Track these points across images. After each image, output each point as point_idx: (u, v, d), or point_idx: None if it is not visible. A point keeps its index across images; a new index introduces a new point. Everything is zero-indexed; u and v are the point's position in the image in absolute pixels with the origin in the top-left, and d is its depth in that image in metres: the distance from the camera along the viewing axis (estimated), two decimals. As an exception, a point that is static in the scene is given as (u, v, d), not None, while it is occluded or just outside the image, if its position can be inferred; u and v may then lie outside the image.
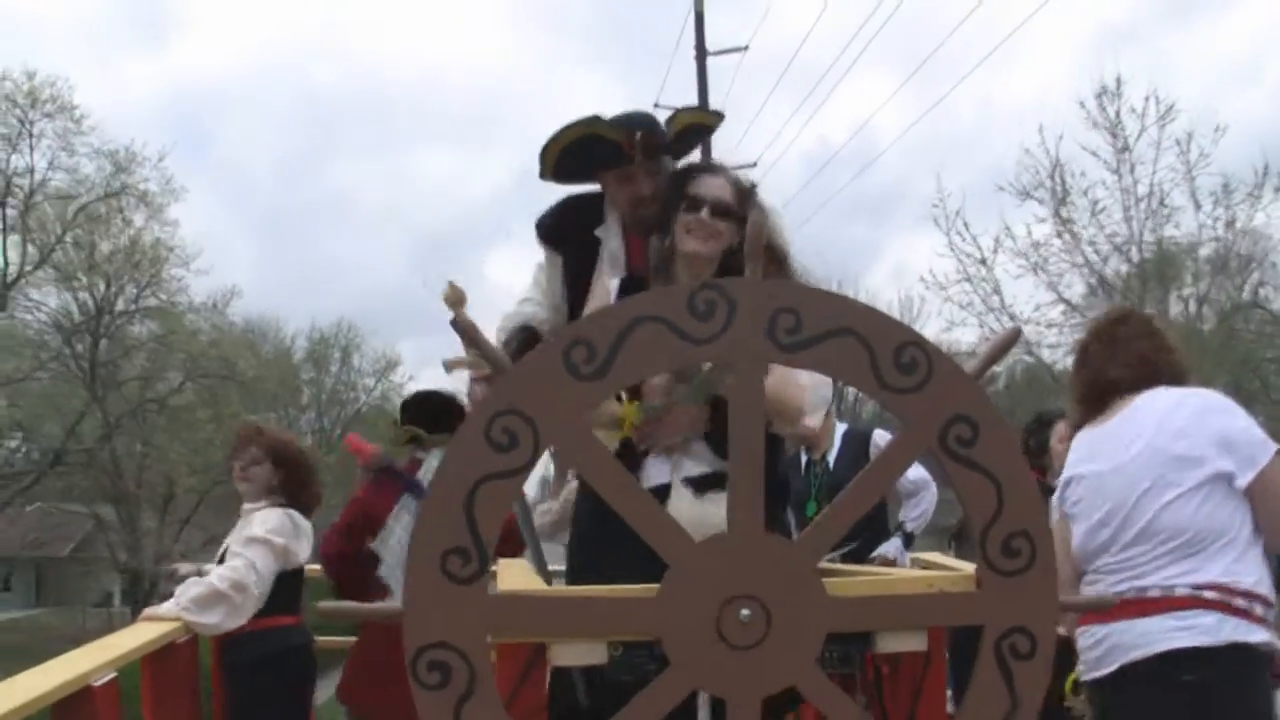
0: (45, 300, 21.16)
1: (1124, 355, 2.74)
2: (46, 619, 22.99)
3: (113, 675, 2.89)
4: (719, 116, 2.93)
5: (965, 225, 17.29)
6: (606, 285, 2.55)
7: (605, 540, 2.09)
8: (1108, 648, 2.53)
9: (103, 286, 20.93)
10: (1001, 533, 1.74)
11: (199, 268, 21.99)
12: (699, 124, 2.85)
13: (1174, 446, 2.54)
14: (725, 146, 3.10)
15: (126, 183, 20.58)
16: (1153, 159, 16.45)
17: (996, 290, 17.45)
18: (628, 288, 2.48)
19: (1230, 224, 16.44)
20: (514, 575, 2.22)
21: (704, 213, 2.36)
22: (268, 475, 3.92)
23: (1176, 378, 2.73)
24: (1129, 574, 2.54)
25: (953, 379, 1.73)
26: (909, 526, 4.83)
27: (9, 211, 19.87)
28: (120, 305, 21.25)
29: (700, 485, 2.33)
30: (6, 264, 19.41)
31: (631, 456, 2.35)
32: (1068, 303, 17.26)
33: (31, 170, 19.72)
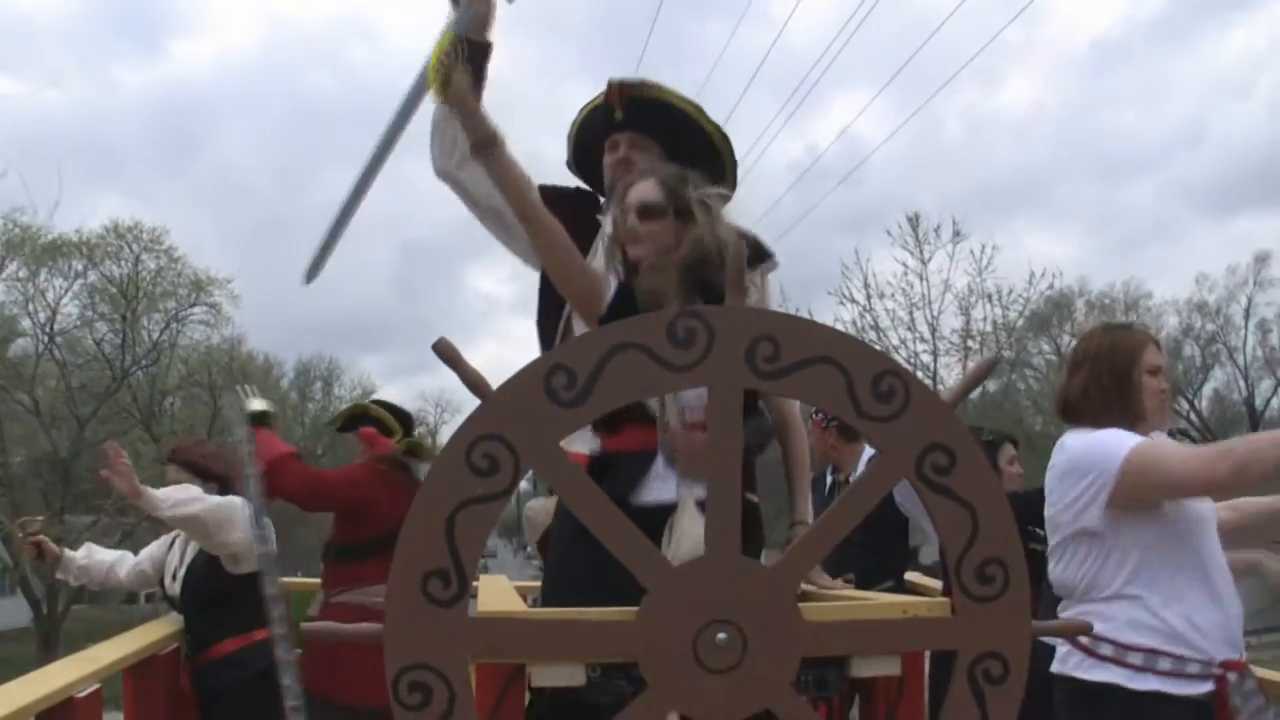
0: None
1: (1064, 388, 2.74)
2: (87, 613, 27.34)
3: (96, 686, 2.90)
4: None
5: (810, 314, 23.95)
6: (607, 279, 2.51)
7: (580, 564, 2.11)
8: None
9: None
10: (976, 559, 1.76)
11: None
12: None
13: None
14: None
15: (205, 300, 28.36)
16: (948, 268, 24.00)
17: None
18: (619, 293, 2.47)
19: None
20: (494, 596, 2.24)
21: (630, 219, 2.43)
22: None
23: (1094, 415, 2.60)
24: None
25: (929, 408, 1.76)
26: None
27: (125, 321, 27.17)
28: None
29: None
30: (124, 358, 26.43)
31: (639, 466, 2.34)
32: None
33: (138, 288, 26.97)
